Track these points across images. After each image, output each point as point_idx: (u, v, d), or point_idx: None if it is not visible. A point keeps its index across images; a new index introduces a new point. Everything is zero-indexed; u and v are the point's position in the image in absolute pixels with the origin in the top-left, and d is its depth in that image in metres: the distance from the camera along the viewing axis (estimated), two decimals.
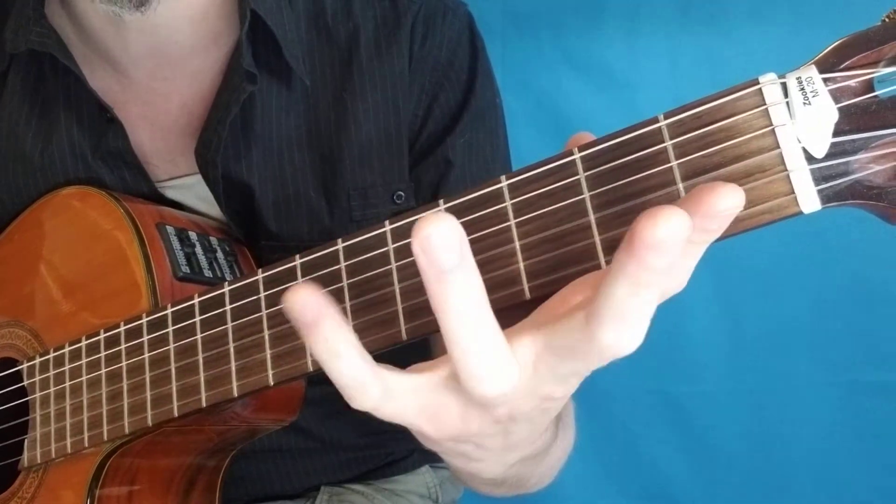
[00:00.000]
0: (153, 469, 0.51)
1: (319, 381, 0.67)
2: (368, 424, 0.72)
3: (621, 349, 0.26)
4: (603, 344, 0.26)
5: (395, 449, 0.74)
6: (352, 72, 0.62)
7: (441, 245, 0.25)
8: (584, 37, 0.87)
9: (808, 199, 0.28)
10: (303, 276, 0.40)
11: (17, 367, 0.55)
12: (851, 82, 0.30)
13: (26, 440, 0.53)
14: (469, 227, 0.35)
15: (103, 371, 0.48)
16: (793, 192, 0.28)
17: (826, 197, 0.28)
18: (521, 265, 0.34)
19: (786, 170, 0.28)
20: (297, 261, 0.41)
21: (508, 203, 0.35)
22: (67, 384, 0.50)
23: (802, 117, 0.29)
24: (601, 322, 0.26)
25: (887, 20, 0.31)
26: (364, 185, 0.62)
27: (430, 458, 0.77)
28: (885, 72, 0.30)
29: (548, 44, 0.89)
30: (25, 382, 0.54)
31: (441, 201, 0.37)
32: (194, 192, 0.63)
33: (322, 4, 0.63)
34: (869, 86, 0.30)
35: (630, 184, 0.32)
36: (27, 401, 0.53)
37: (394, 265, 0.36)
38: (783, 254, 0.80)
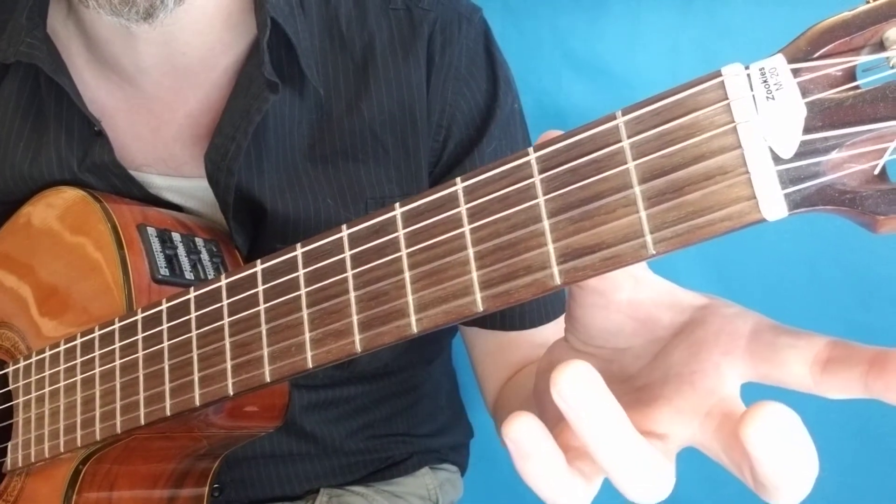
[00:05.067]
0: (133, 475, 0.51)
1: (319, 386, 0.67)
2: (369, 429, 0.71)
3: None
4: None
5: (394, 452, 0.73)
6: (367, 81, 0.60)
7: (574, 394, 0.27)
8: (584, 36, 0.85)
9: (772, 205, 0.25)
10: (263, 284, 0.39)
11: (4, 370, 0.55)
12: (829, 71, 0.27)
13: (10, 443, 0.53)
14: (422, 234, 0.33)
15: (78, 377, 0.48)
16: (754, 197, 0.25)
17: (793, 202, 0.25)
18: (475, 275, 0.32)
19: (747, 172, 0.26)
20: (258, 266, 0.39)
21: (463, 208, 0.32)
22: (47, 389, 0.50)
23: (767, 113, 0.26)
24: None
25: (871, 1, 0.27)
26: (382, 195, 0.61)
27: (429, 460, 0.76)
28: (869, 59, 0.27)
29: (548, 43, 0.86)
30: (11, 386, 0.53)
31: (398, 204, 0.35)
32: (195, 198, 0.62)
33: (335, 12, 0.62)
34: (851, 75, 0.27)
35: (585, 187, 0.29)
36: (13, 404, 0.53)
37: (404, 252, 0.33)
38: (783, 253, 0.76)
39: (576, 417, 0.27)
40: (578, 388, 0.27)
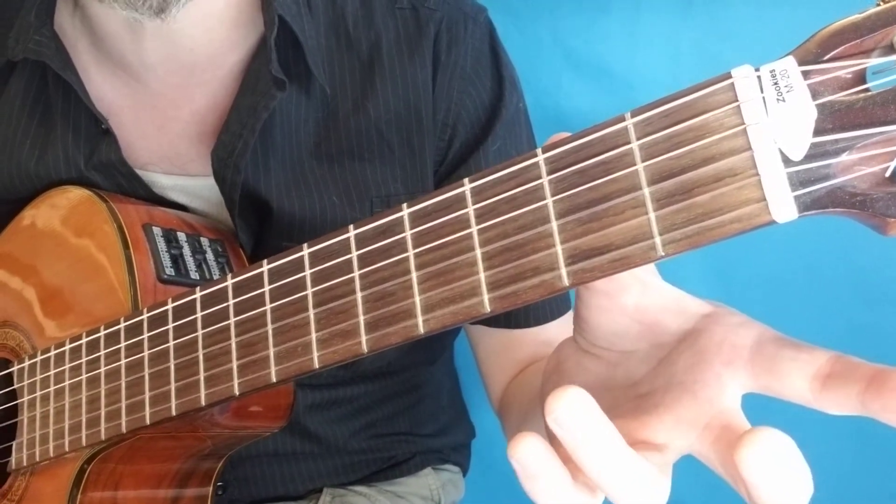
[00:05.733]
0: (138, 474, 0.51)
1: (322, 386, 0.67)
2: (371, 428, 0.71)
3: None
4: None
5: (397, 452, 0.73)
6: (373, 80, 0.61)
7: (570, 421, 0.27)
8: (585, 37, 0.85)
9: (782, 207, 0.25)
10: (269, 283, 0.39)
11: (9, 368, 0.55)
12: (840, 73, 0.27)
13: (14, 442, 0.53)
14: (430, 235, 0.33)
15: (84, 376, 0.48)
16: (764, 199, 0.25)
17: (803, 204, 0.25)
18: (482, 276, 0.32)
19: (757, 174, 0.26)
20: (265, 266, 0.39)
21: (471, 208, 0.32)
22: (52, 388, 0.50)
23: (777, 115, 0.26)
24: None
25: (882, 3, 0.28)
26: (387, 194, 0.61)
27: (432, 460, 0.76)
28: (880, 62, 0.27)
29: (549, 44, 0.87)
30: (16, 385, 0.53)
31: (405, 205, 0.35)
32: (200, 197, 0.62)
33: (342, 11, 0.62)
34: (861, 77, 0.27)
35: (594, 188, 0.29)
36: (18, 402, 0.53)
37: (411, 252, 0.33)
38: (785, 253, 0.76)
39: (572, 442, 0.27)
40: (575, 414, 0.27)
